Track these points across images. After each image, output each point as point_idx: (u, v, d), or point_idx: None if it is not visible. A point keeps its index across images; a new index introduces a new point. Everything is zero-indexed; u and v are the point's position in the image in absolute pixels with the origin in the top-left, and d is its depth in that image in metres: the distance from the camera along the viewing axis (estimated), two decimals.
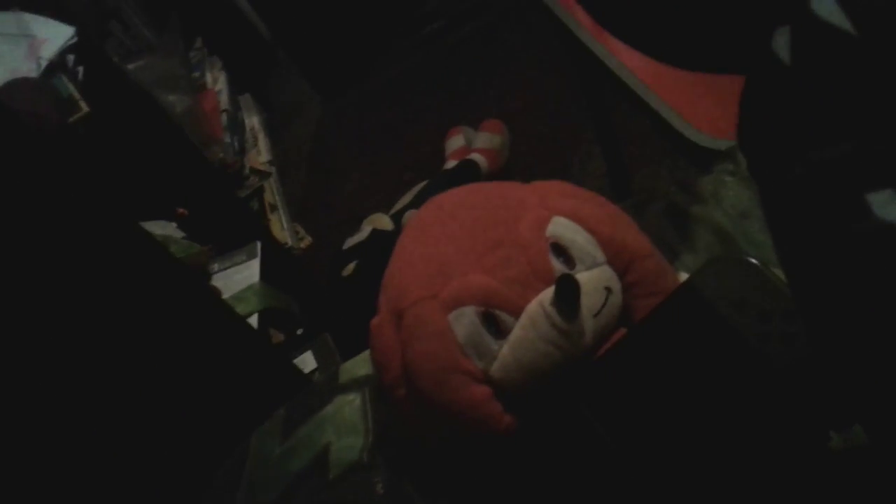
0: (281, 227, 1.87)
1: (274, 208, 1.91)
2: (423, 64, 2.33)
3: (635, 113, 0.78)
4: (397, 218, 1.73)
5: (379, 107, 2.31)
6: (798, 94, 0.24)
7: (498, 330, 0.48)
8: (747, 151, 0.28)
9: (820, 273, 0.25)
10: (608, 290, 0.49)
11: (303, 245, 1.95)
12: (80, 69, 1.15)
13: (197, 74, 1.97)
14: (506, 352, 0.47)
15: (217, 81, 2.01)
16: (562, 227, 0.50)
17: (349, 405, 0.63)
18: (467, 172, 1.75)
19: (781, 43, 0.25)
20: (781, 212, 0.27)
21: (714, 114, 0.69)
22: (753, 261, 0.44)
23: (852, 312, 0.25)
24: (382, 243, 1.65)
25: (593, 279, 0.49)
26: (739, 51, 0.27)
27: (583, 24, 0.87)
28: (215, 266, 1.50)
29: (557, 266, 0.49)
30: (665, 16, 0.29)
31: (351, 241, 1.71)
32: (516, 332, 0.47)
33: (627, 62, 0.80)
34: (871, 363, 0.25)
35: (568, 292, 0.46)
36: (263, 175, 1.93)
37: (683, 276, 0.53)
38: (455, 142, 1.90)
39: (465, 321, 0.48)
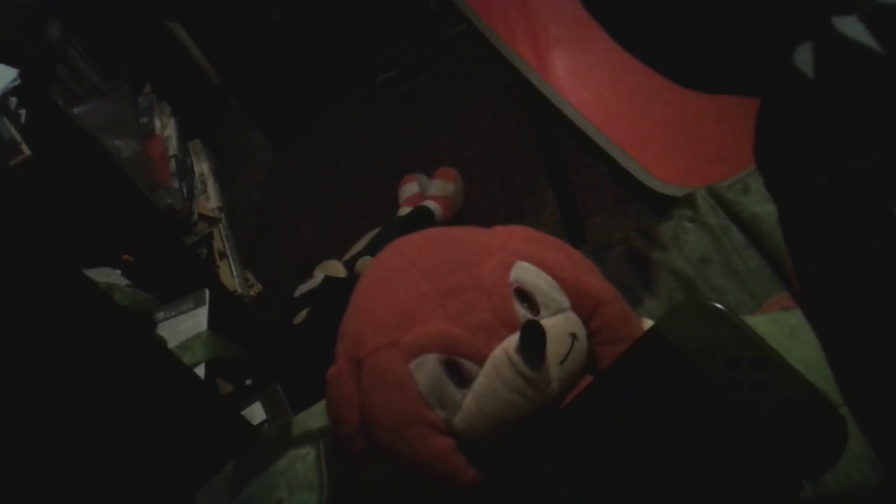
0: (230, 275, 1.83)
1: (223, 255, 1.87)
2: (376, 111, 2.34)
3: (587, 161, 0.79)
4: (350, 265, 1.71)
5: (331, 154, 2.30)
6: (823, 108, 0.24)
7: (461, 378, 0.46)
8: (766, 167, 0.28)
9: (842, 286, 0.25)
10: (573, 336, 0.48)
11: (253, 292, 1.91)
12: (23, 112, 1.12)
13: (145, 120, 1.94)
14: (470, 401, 0.46)
15: (166, 127, 1.98)
16: (525, 272, 0.49)
17: (302, 460, 0.60)
18: (421, 219, 1.74)
19: (804, 58, 0.25)
20: (802, 224, 0.26)
21: (670, 160, 0.69)
22: (719, 306, 0.44)
23: (875, 328, 0.24)
24: (335, 290, 1.63)
25: (558, 325, 0.47)
26: (758, 69, 0.27)
27: (537, 72, 0.88)
28: (161, 314, 1.45)
29: (522, 312, 0.47)
30: (683, 36, 0.29)
31: (303, 289, 1.68)
32: (480, 381, 0.46)
33: (583, 109, 0.80)
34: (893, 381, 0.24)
35: (534, 339, 0.45)
36: (212, 221, 1.89)
37: (647, 322, 0.53)
38: (408, 189, 1.90)
39: (426, 370, 0.46)
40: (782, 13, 0.26)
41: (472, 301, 0.48)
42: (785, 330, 0.50)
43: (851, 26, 0.24)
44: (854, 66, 0.24)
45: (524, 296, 0.48)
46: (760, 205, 0.58)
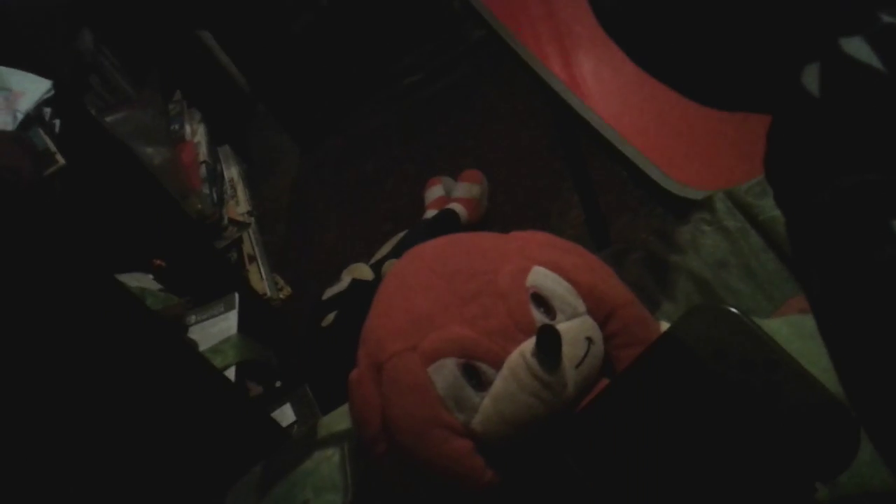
0: (260, 278, 1.86)
1: (252, 259, 1.90)
2: (402, 115, 2.36)
3: (612, 162, 0.79)
4: (377, 268, 1.73)
5: (357, 157, 2.32)
6: (827, 126, 0.25)
7: (479, 382, 0.47)
8: (775, 181, 0.29)
9: (844, 298, 0.26)
10: (589, 340, 0.49)
11: (282, 295, 1.93)
12: (57, 122, 1.15)
13: (176, 127, 1.98)
14: (487, 404, 0.47)
15: (196, 133, 2.02)
16: (542, 277, 0.50)
17: (328, 461, 0.62)
18: (447, 222, 1.75)
19: (811, 78, 0.26)
20: (806, 238, 0.27)
21: (690, 164, 0.69)
22: (734, 310, 0.44)
23: (875, 339, 0.25)
24: (362, 293, 1.64)
25: (574, 329, 0.48)
26: (768, 88, 0.28)
27: (559, 78, 0.88)
28: (192, 318, 1.48)
29: (538, 316, 0.48)
30: (696, 55, 0.30)
31: (330, 292, 1.70)
32: (498, 384, 0.47)
33: (603, 114, 0.81)
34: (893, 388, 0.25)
35: (549, 343, 0.46)
36: (242, 226, 1.92)
37: (664, 326, 0.53)
38: (434, 192, 1.91)
39: (445, 373, 0.47)
40: (791, 35, 0.26)
41: (489, 306, 0.48)
42: (801, 333, 0.50)
43: (857, 47, 0.25)
44: (857, 85, 0.24)
45: (541, 300, 0.49)
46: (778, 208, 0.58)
